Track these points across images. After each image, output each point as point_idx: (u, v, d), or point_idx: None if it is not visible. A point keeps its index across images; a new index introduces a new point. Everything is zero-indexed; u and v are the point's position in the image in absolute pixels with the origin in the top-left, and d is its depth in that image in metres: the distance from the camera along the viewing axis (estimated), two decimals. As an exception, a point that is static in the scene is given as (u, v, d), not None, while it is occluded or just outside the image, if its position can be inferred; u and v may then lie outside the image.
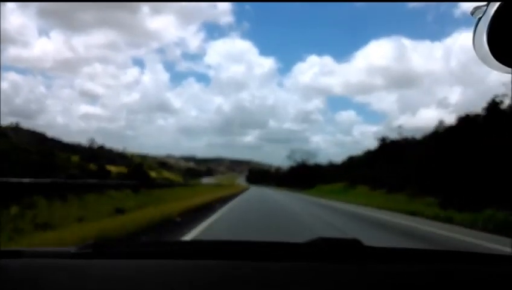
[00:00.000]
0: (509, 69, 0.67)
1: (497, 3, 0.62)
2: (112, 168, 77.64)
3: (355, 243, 1.09)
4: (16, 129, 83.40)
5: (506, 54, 0.65)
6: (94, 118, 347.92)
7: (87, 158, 63.78)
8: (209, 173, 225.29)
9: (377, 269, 1.01)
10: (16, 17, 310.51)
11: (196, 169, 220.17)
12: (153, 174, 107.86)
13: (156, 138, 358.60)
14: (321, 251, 1.07)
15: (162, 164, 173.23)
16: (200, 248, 1.21)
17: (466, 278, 0.97)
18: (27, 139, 70.92)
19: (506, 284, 0.94)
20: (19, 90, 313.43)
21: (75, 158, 66.65)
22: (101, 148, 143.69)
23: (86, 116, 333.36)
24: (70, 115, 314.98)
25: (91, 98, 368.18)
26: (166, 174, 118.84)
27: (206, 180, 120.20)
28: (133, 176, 41.92)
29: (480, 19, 0.66)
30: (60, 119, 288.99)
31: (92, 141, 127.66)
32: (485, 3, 0.65)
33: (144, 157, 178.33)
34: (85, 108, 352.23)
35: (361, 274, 0.96)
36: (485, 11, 0.64)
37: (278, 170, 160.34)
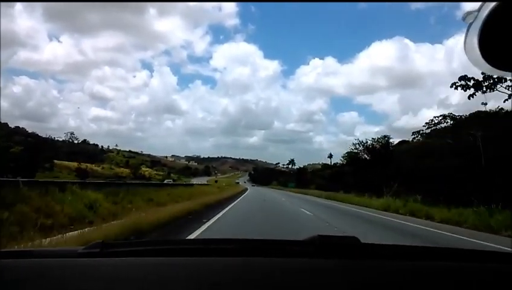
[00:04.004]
0: (500, 71, 0.70)
1: (488, 9, 0.65)
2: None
3: (353, 241, 1.11)
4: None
5: (497, 58, 0.68)
6: (105, 120, 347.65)
7: (37, 151, 59.23)
8: (207, 172, 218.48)
9: (375, 266, 1.02)
10: (25, 21, 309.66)
11: (193, 167, 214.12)
12: (126, 171, 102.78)
13: (164, 139, 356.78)
14: (319, 248, 1.07)
15: (156, 162, 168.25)
16: (204, 245, 1.25)
17: (463, 275, 0.99)
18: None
19: (503, 282, 0.96)
20: (30, 93, 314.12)
21: (16, 150, 61.74)
22: (84, 143, 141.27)
23: (96, 119, 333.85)
24: (82, 117, 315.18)
25: (101, 101, 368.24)
26: (147, 171, 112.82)
27: (196, 180, 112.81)
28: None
29: (471, 23, 0.68)
30: (72, 122, 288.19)
31: (71, 135, 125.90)
32: (476, 8, 0.67)
33: (135, 154, 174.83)
34: (96, 110, 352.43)
35: (359, 271, 0.97)
36: (477, 16, 0.67)
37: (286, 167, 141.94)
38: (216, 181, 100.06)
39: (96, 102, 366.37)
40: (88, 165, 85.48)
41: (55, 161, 73.81)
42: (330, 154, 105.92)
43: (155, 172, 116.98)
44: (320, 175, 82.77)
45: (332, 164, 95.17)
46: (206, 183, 67.04)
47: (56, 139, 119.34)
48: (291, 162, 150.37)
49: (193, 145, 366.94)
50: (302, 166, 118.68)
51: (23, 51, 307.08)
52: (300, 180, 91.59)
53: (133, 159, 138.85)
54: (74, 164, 78.54)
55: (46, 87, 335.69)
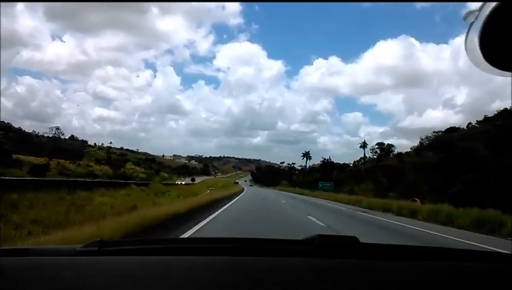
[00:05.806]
0: (500, 71, 0.70)
1: (489, 9, 0.65)
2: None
3: (352, 240, 1.11)
4: None
5: (497, 57, 0.69)
6: (108, 120, 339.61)
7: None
8: (206, 171, 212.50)
9: (374, 265, 1.02)
10: (27, 20, 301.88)
11: (191, 166, 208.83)
12: (106, 169, 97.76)
13: (167, 140, 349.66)
14: (319, 248, 1.07)
15: (150, 160, 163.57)
16: (202, 244, 1.26)
17: (463, 275, 0.99)
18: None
19: (502, 282, 0.96)
20: (34, 93, 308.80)
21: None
22: (72, 139, 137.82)
23: (100, 119, 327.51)
24: (85, 117, 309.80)
25: (104, 101, 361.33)
26: (132, 169, 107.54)
27: (186, 180, 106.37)
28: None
29: (472, 23, 0.68)
30: (75, 122, 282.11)
31: (57, 131, 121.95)
32: (477, 7, 0.67)
33: (129, 152, 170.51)
34: (99, 111, 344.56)
35: (358, 270, 0.98)
36: (477, 16, 0.67)
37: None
38: (193, 180, 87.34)
39: (99, 102, 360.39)
40: (61, 161, 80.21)
41: (21, 157, 69.17)
42: (364, 142, 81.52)
43: (141, 170, 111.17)
44: (362, 170, 55.87)
45: (364, 156, 76.74)
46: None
47: (41, 135, 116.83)
48: (306, 155, 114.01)
49: (196, 146, 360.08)
50: (327, 159, 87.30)
51: (25, 51, 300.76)
52: (328, 179, 62.20)
53: (121, 157, 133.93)
54: (42, 160, 73.62)
55: (49, 87, 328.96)
